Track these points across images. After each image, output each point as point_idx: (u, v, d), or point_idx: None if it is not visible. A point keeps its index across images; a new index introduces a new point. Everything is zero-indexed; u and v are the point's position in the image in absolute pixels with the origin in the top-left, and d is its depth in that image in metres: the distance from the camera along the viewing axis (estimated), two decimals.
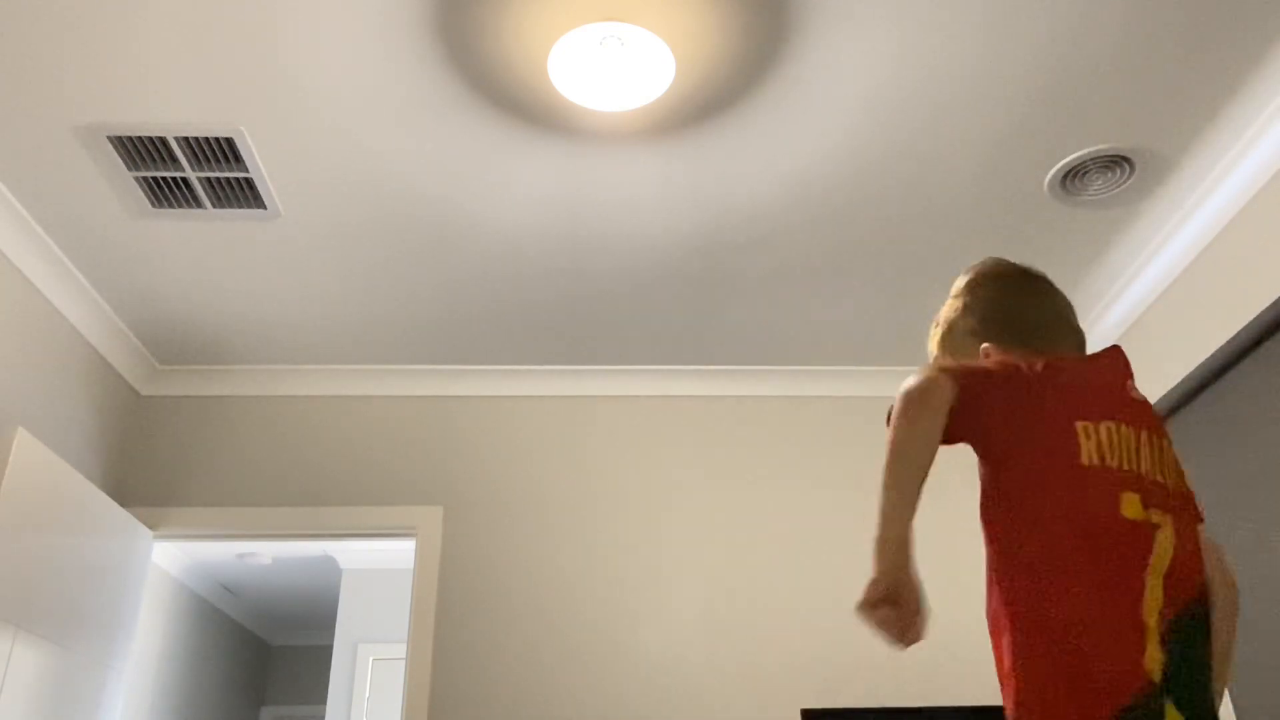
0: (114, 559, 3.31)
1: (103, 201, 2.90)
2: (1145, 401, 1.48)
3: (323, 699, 7.14)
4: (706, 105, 2.58)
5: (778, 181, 2.86)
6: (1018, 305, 1.59)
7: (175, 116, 2.58)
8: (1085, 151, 2.74)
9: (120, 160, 2.72)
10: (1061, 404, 1.39)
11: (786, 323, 3.60)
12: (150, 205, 2.91)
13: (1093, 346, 3.57)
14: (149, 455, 3.73)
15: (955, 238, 3.12)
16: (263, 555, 5.64)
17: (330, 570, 6.03)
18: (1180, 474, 1.45)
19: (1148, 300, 3.24)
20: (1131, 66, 2.46)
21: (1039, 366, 1.42)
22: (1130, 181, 2.85)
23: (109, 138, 2.64)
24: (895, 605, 1.24)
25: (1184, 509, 1.41)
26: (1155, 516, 1.34)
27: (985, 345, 1.58)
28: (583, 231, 3.08)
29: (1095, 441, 1.36)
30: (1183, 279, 3.07)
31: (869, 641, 3.55)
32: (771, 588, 3.62)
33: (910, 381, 1.36)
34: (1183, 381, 2.92)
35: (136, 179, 2.80)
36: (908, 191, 2.91)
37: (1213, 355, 2.79)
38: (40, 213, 2.94)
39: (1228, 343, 2.72)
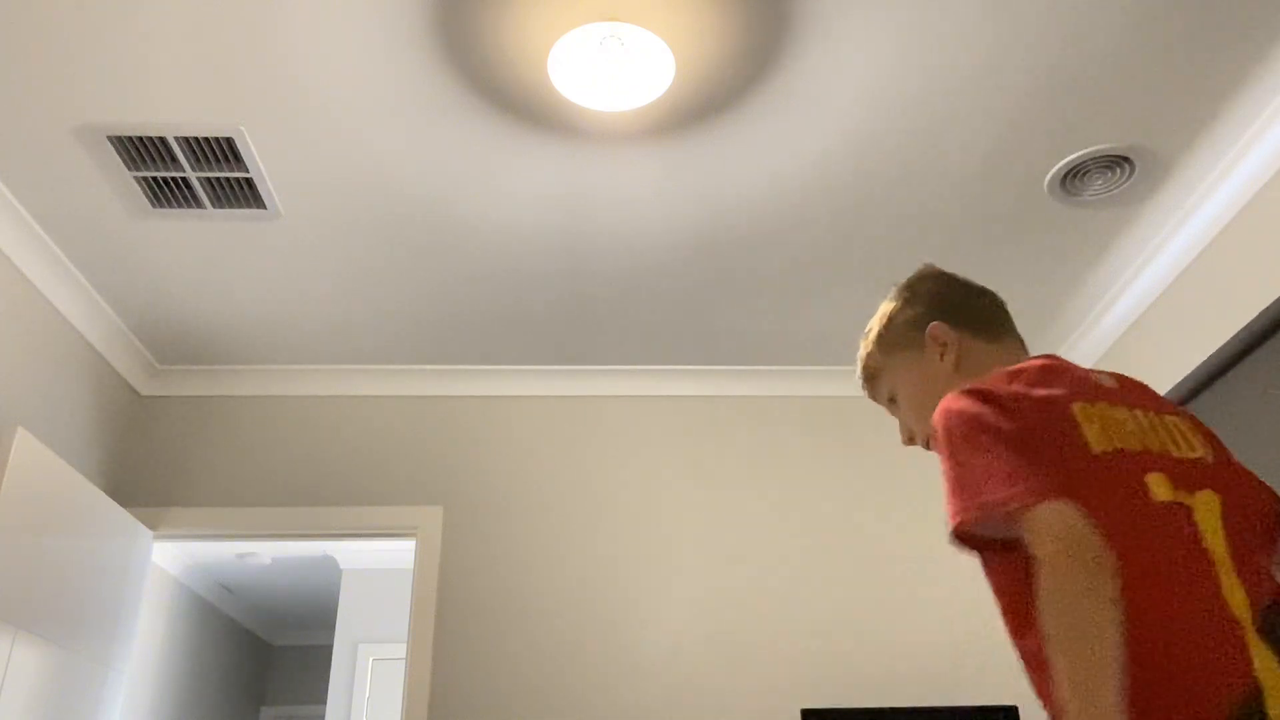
0: (114, 559, 3.31)
1: (103, 201, 2.90)
2: (1136, 383, 1.34)
3: (323, 699, 7.13)
4: (706, 105, 2.58)
5: (777, 181, 2.86)
6: (961, 295, 1.55)
7: (175, 116, 2.58)
8: (1085, 151, 2.74)
9: (120, 160, 2.72)
10: (1050, 394, 1.23)
11: (786, 322, 3.59)
12: (150, 205, 2.91)
13: (1092, 347, 3.57)
14: (149, 455, 3.73)
15: (955, 238, 3.12)
16: (262, 555, 5.64)
17: (330, 570, 6.03)
18: (1218, 446, 1.26)
19: (1148, 300, 3.24)
20: (1131, 66, 2.46)
21: (1012, 379, 1.26)
22: (1130, 181, 2.85)
23: (109, 138, 2.64)
24: None
25: (1229, 483, 1.20)
26: (1184, 497, 1.15)
27: (933, 324, 1.52)
28: (582, 231, 3.08)
29: (1099, 425, 1.20)
30: (1183, 279, 3.06)
31: (869, 641, 3.55)
32: (771, 587, 3.62)
33: (1042, 543, 1.04)
34: (1182, 382, 2.92)
35: (136, 179, 2.80)
36: (907, 191, 2.91)
37: (1212, 356, 2.79)
38: (40, 213, 2.94)
39: (1227, 343, 2.72)
